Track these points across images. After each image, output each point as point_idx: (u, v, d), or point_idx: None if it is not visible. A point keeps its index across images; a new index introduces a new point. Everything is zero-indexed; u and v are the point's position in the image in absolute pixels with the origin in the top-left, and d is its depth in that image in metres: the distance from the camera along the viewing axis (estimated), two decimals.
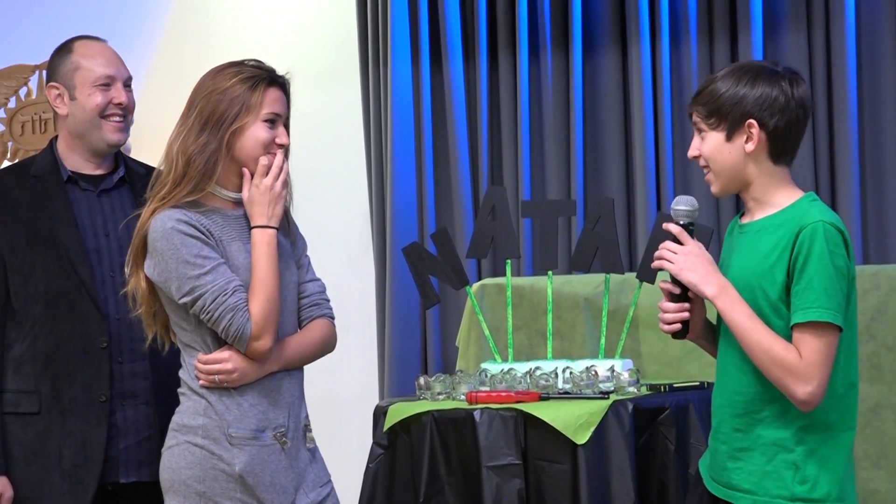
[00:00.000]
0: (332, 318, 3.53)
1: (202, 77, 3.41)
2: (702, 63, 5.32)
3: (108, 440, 3.69)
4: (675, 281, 3.13)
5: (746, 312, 3.01)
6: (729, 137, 3.08)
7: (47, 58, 5.51)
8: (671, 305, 3.16)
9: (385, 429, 4.01)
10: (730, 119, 3.07)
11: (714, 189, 3.16)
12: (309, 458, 3.45)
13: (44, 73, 5.61)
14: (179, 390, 3.42)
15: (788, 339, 2.99)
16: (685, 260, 3.09)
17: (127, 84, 3.83)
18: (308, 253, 3.55)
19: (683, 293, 3.14)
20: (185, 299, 3.30)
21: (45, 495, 3.67)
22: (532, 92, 5.58)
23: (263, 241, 3.34)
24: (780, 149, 3.08)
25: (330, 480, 3.48)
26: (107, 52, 3.83)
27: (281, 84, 3.41)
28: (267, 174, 3.36)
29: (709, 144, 3.11)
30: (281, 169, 3.37)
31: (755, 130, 3.06)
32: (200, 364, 3.33)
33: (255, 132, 3.35)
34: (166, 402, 3.71)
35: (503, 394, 3.94)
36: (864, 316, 4.47)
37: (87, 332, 3.69)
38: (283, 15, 6.21)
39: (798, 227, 2.99)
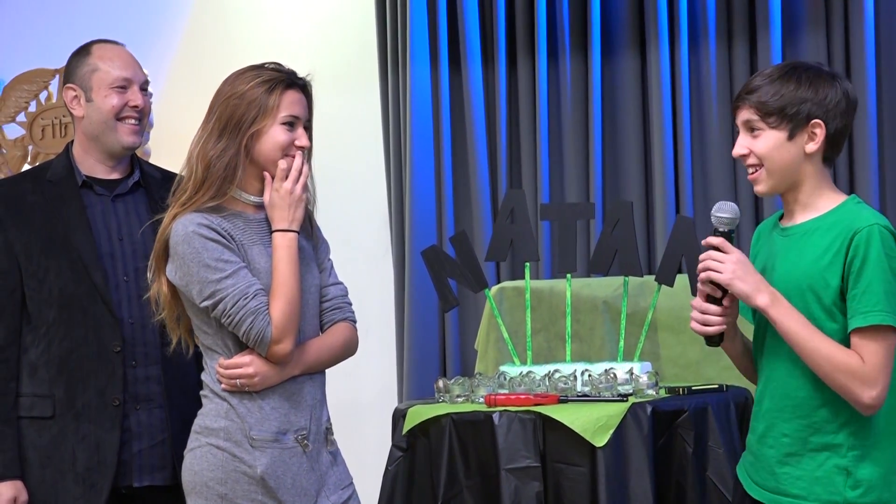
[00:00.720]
0: (354, 321, 3.54)
1: (222, 82, 3.42)
2: (720, 66, 5.31)
3: (122, 444, 3.69)
4: (713, 283, 3.08)
5: (801, 321, 2.99)
6: (791, 137, 3.06)
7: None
8: (715, 308, 3.10)
9: (404, 431, 4.01)
10: (795, 119, 3.06)
11: (761, 188, 3.13)
12: (330, 460, 3.46)
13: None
14: (202, 393, 3.43)
15: (843, 342, 2.97)
16: (735, 269, 3.04)
17: (143, 87, 3.84)
18: (330, 256, 3.56)
19: (722, 297, 3.10)
20: (206, 303, 3.30)
21: (58, 499, 3.68)
22: (551, 95, 5.57)
23: (284, 245, 3.35)
24: (834, 150, 3.10)
25: (352, 483, 3.49)
26: (124, 55, 3.84)
27: (301, 86, 3.41)
28: (287, 178, 3.37)
29: (766, 142, 3.08)
30: (300, 172, 3.37)
31: (819, 131, 3.06)
32: (222, 369, 3.34)
33: (274, 135, 3.35)
34: (180, 406, 3.73)
35: (522, 396, 3.94)
36: None
37: (101, 336, 3.69)
38: (303, 19, 6.22)
39: (852, 230, 2.97)
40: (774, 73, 3.10)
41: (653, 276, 4.42)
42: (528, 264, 4.39)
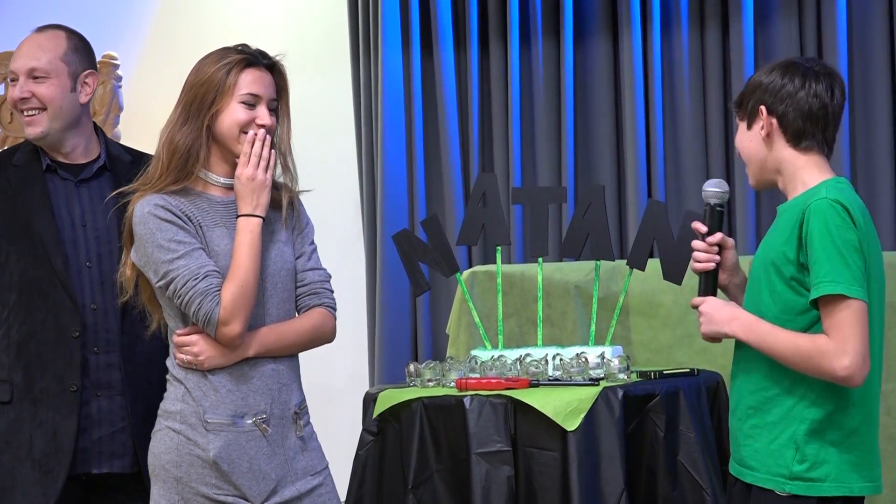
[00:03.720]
0: (333, 307, 3.51)
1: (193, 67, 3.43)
2: (693, 52, 5.33)
3: (82, 431, 3.65)
4: (702, 219, 3.27)
5: (768, 329, 3.08)
6: (749, 126, 3.19)
7: None
8: (701, 244, 3.25)
9: (375, 416, 4.00)
10: (747, 108, 3.19)
11: (750, 182, 3.27)
12: (300, 446, 3.43)
13: None
14: (167, 376, 3.42)
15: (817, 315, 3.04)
16: (706, 321, 3.19)
17: (35, 76, 3.73)
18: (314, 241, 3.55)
19: (710, 231, 3.25)
20: (160, 283, 3.31)
21: (15, 485, 3.65)
22: (523, 80, 5.58)
23: (246, 230, 3.34)
24: (797, 134, 3.14)
25: (325, 469, 3.46)
26: (24, 45, 3.77)
27: (267, 66, 3.40)
28: (248, 163, 3.36)
29: (738, 136, 3.25)
30: (260, 157, 3.36)
31: (764, 115, 3.15)
32: (174, 344, 3.36)
33: (232, 113, 3.35)
34: (142, 394, 3.70)
35: (493, 380, 3.93)
36: None
37: (60, 321, 3.65)
38: (275, 2, 6.19)
39: (806, 206, 3.04)
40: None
41: (624, 261, 4.42)
42: (499, 248, 4.39)
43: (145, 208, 3.32)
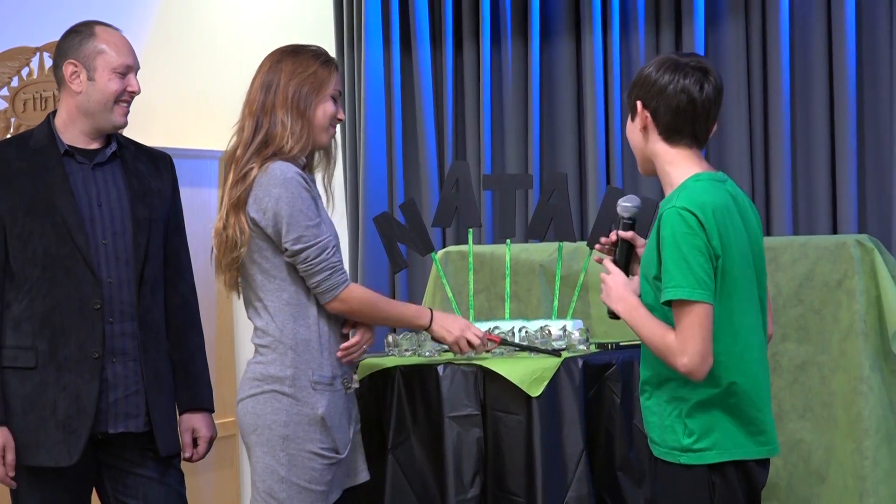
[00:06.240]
0: None
1: (273, 59, 3.60)
2: (649, 51, 5.33)
3: (99, 394, 3.67)
4: (623, 223, 3.31)
5: (643, 316, 3.10)
6: (633, 118, 3.18)
7: (48, 40, 5.47)
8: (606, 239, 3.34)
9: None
10: (629, 102, 3.17)
11: (639, 169, 3.26)
12: (353, 399, 3.65)
13: (44, 54, 5.57)
14: (257, 341, 3.53)
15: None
16: (605, 293, 3.22)
17: (136, 73, 3.82)
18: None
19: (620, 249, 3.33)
20: (294, 246, 3.42)
21: (40, 444, 3.66)
22: (493, 76, 5.57)
23: (421, 320, 3.73)
24: (668, 129, 3.11)
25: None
26: (125, 42, 3.81)
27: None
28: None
29: (626, 127, 3.24)
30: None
31: (640, 109, 3.13)
32: (342, 353, 3.56)
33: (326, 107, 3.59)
34: (152, 360, 3.75)
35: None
36: (794, 282, 4.51)
37: (83, 294, 3.67)
38: (267, 7, 6.16)
39: (661, 213, 3.05)
40: None
41: (585, 242, 4.44)
42: (471, 230, 4.40)
43: (287, 172, 3.44)
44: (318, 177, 3.71)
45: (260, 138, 3.50)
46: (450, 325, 3.73)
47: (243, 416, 3.53)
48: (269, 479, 3.48)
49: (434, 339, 3.78)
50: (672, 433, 3.10)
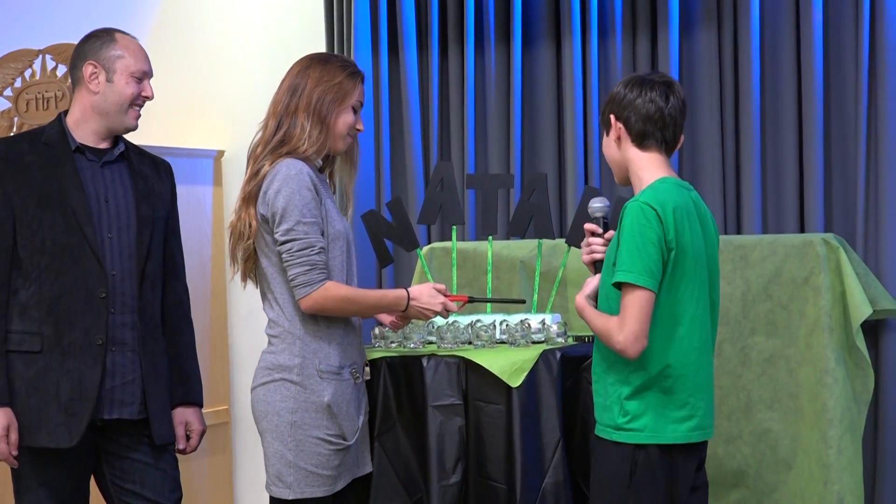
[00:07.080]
0: None
1: (303, 64, 3.64)
2: (626, 57, 5.32)
3: (101, 380, 3.70)
4: (595, 221, 3.43)
5: (592, 309, 3.27)
6: (607, 133, 3.35)
7: (50, 43, 5.50)
8: (599, 240, 3.40)
9: None
10: (603, 117, 3.36)
11: (616, 179, 3.40)
12: (364, 389, 3.68)
13: (46, 56, 5.59)
14: (269, 332, 3.57)
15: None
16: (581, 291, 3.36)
17: (150, 80, 3.88)
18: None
19: (604, 232, 3.41)
20: (281, 237, 3.46)
21: (41, 425, 3.67)
22: (477, 80, 5.57)
23: (398, 303, 3.69)
24: (640, 135, 3.28)
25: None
26: (143, 50, 3.87)
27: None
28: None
29: (603, 143, 3.40)
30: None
31: (612, 122, 3.31)
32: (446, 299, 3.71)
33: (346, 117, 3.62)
34: (149, 350, 3.77)
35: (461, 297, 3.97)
36: (763, 279, 4.54)
37: (90, 283, 3.70)
38: (260, 11, 6.17)
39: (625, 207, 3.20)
40: None
41: (564, 239, 4.46)
42: (454, 227, 4.42)
43: (294, 168, 3.49)
44: (338, 180, 3.77)
45: (278, 137, 3.57)
46: (424, 304, 3.75)
47: (255, 403, 3.59)
48: (279, 463, 3.53)
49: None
50: (609, 413, 3.25)
